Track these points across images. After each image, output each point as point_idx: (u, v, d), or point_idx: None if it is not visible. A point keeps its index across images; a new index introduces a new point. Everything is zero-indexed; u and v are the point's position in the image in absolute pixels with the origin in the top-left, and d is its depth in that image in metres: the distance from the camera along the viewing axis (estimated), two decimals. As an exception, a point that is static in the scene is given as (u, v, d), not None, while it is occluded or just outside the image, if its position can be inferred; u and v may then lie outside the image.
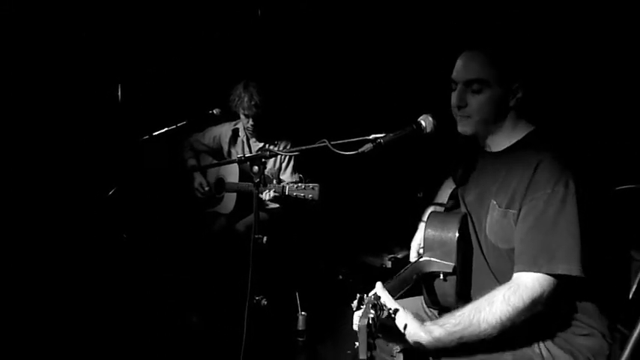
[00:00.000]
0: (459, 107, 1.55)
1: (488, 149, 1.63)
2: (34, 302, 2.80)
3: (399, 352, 1.59)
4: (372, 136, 1.58)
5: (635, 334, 1.43)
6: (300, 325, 2.84)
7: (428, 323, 1.39)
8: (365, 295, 1.36)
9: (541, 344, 1.44)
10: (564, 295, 1.40)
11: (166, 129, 2.74)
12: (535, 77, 1.53)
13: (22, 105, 3.00)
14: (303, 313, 2.85)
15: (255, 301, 1.88)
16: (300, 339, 2.83)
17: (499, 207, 1.50)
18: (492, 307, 1.35)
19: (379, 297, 1.36)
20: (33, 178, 3.01)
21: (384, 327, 1.35)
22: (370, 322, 1.20)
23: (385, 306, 1.34)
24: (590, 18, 2.66)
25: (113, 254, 3.08)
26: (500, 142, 1.58)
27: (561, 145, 1.48)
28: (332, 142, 1.62)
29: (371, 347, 1.19)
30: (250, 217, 1.91)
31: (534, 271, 1.37)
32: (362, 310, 1.28)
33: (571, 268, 1.33)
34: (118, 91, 3.30)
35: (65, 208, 3.10)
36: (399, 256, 3.34)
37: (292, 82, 3.66)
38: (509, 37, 1.55)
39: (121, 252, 3.08)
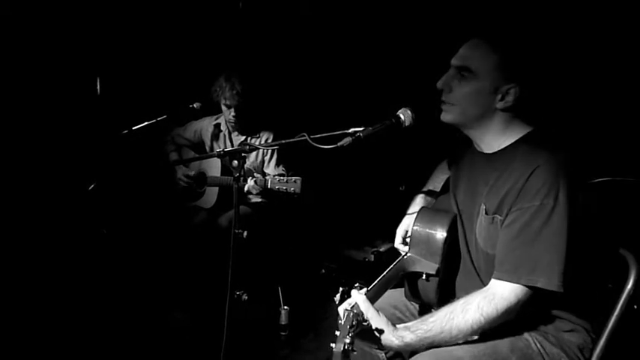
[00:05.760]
0: (442, 90, 1.51)
1: (479, 149, 1.58)
2: (12, 298, 2.75)
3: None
4: (351, 130, 1.56)
5: (610, 325, 1.46)
6: (283, 319, 2.84)
7: (400, 327, 1.39)
8: (346, 310, 1.35)
9: (537, 344, 1.45)
10: (541, 303, 1.41)
11: (146, 123, 2.71)
12: (536, 82, 1.46)
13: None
14: (285, 307, 2.85)
15: (235, 296, 1.88)
16: (283, 333, 2.83)
17: (486, 213, 1.48)
18: (465, 315, 1.36)
19: (359, 308, 1.36)
20: (10, 172, 2.95)
21: (362, 330, 1.36)
22: (346, 347, 1.22)
23: (364, 313, 1.36)
24: (590, 22, 2.67)
25: (93, 250, 3.05)
26: (490, 142, 1.53)
27: (558, 149, 1.41)
28: (312, 136, 1.61)
29: None
30: (233, 212, 1.89)
31: (513, 282, 1.37)
32: (339, 333, 1.28)
33: (551, 282, 1.33)
34: (96, 85, 3.25)
35: (44, 203, 3.05)
36: (381, 249, 3.36)
37: (274, 75, 3.64)
38: (519, 41, 1.47)
39: (101, 247, 3.05)
